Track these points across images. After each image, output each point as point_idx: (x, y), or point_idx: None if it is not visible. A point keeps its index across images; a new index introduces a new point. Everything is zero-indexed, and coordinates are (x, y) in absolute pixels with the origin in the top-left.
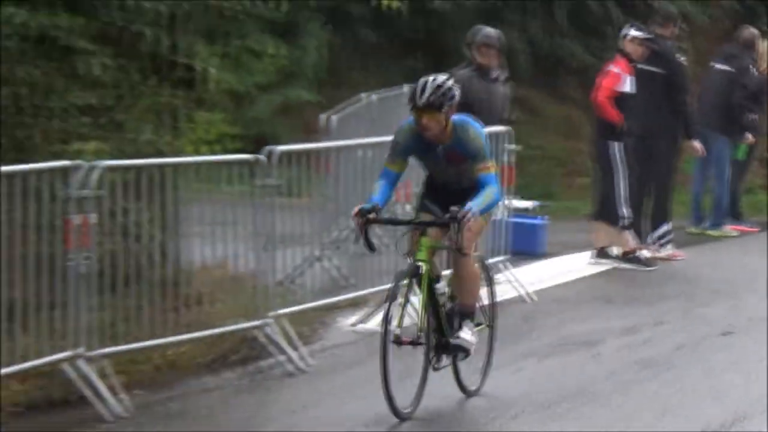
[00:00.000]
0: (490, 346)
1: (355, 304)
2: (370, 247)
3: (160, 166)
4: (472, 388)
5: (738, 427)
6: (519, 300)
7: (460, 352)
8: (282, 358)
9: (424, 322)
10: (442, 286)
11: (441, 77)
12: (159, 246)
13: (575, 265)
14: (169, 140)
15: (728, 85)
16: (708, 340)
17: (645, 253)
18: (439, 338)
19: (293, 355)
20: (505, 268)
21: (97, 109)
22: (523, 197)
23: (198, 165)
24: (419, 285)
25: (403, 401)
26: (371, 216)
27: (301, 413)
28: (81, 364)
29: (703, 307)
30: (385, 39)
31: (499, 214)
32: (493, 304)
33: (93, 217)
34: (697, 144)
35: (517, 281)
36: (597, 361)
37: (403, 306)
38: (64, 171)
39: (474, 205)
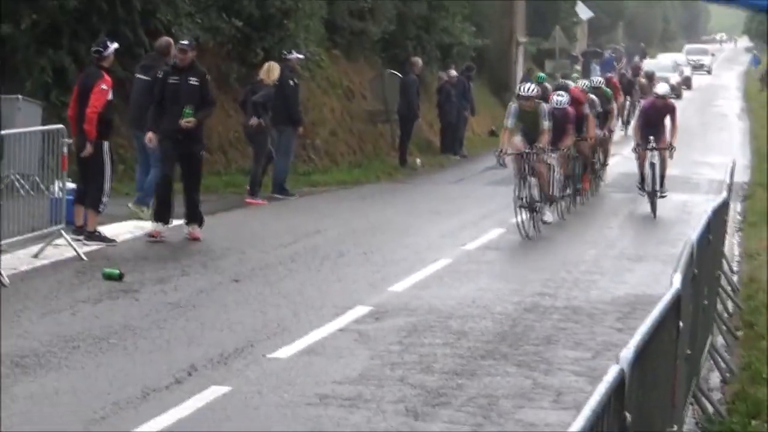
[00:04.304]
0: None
1: None
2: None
3: None
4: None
5: (248, 351)
6: (75, 258)
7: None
8: None
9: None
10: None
11: None
12: None
13: (117, 232)
14: None
15: (147, 90)
16: (222, 285)
17: (104, 232)
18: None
19: None
20: (64, 233)
21: None
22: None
23: None
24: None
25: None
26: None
27: None
28: None
29: (218, 260)
30: None
31: (57, 192)
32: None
33: None
34: (150, 135)
35: (73, 243)
36: (137, 305)
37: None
38: None
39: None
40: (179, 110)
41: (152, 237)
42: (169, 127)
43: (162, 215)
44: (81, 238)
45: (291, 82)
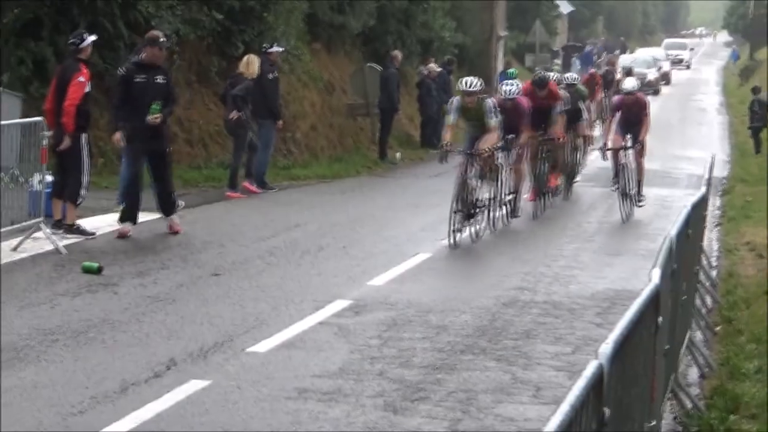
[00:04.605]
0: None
1: None
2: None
3: None
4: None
5: (228, 345)
6: (54, 252)
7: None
8: None
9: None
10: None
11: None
12: None
13: (96, 225)
14: None
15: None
16: (202, 279)
17: (84, 225)
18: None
19: None
20: (43, 227)
21: None
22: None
23: None
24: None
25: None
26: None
27: None
28: None
29: (197, 254)
30: None
31: (36, 185)
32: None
33: None
34: (117, 135)
35: (52, 237)
36: (116, 298)
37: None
38: None
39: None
40: (146, 108)
41: (122, 236)
42: (138, 125)
43: (131, 214)
44: (60, 231)
45: (270, 76)
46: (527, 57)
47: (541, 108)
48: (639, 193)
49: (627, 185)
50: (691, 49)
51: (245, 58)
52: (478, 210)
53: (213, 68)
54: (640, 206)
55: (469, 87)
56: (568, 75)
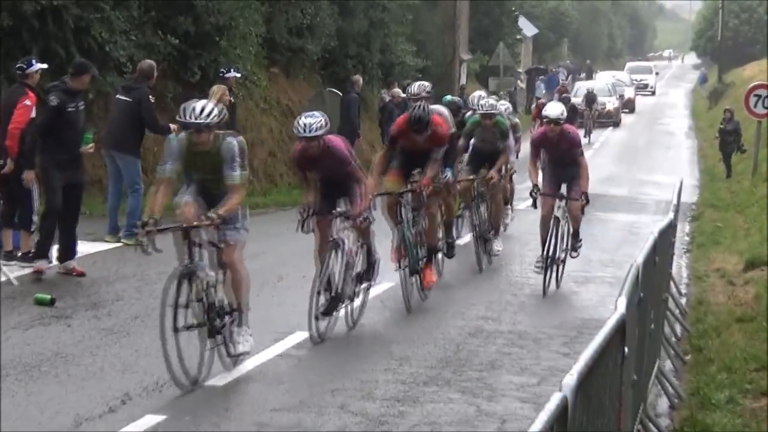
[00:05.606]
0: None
1: None
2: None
3: None
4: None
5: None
6: (6, 283)
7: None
8: None
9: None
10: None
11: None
12: None
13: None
14: None
15: (128, 112)
16: (157, 311)
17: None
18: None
19: None
20: None
21: None
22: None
23: None
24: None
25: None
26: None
27: None
28: None
29: (153, 285)
30: None
31: None
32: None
33: None
34: (31, 175)
35: (3, 268)
36: (70, 331)
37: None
38: None
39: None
40: (77, 138)
41: (38, 273)
42: (64, 156)
43: (46, 251)
44: (12, 262)
45: (228, 101)
46: (491, 81)
47: (422, 153)
48: (576, 237)
49: (555, 248)
50: (657, 73)
51: (212, 88)
52: (220, 323)
53: (168, 94)
54: (575, 256)
55: (198, 117)
56: (483, 102)
